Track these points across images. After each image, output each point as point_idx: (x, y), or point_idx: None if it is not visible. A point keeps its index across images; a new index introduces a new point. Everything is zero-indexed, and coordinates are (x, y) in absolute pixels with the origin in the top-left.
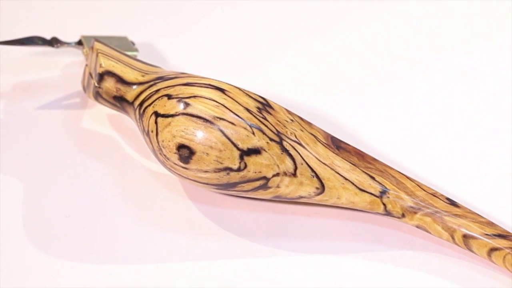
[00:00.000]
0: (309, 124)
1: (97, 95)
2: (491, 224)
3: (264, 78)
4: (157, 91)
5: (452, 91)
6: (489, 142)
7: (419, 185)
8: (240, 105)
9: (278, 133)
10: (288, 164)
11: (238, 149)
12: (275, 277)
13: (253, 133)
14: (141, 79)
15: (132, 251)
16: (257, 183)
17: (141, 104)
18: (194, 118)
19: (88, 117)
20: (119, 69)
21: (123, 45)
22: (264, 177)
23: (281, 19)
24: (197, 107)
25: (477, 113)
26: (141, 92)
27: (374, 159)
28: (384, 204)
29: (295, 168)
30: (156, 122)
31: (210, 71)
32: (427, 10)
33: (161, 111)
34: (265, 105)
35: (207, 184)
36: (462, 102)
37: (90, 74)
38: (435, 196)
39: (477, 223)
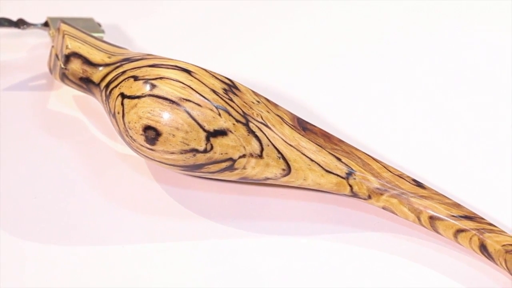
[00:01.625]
0: (276, 105)
1: (64, 77)
2: (457, 205)
3: (231, 59)
4: (123, 72)
5: (419, 72)
6: (455, 123)
7: (385, 167)
8: (207, 86)
9: (244, 115)
10: (255, 146)
11: (204, 130)
12: (241, 258)
13: (220, 115)
14: (107, 60)
15: (98, 232)
16: (224, 165)
17: (107, 86)
18: (160, 100)
19: (54, 98)
20: (85, 51)
21: (89, 27)
22: (231, 159)
23: (247, 1)
24: (163, 88)
25: (444, 94)
26: (107, 74)
27: (341, 141)
28: (350, 186)
29: (261, 150)
30: (122, 104)
31: (177, 52)
32: None
33: (128, 93)
34: (231, 87)
35: (173, 165)
36: (428, 82)
37: (57, 55)
38: (401, 177)
39: (443, 205)
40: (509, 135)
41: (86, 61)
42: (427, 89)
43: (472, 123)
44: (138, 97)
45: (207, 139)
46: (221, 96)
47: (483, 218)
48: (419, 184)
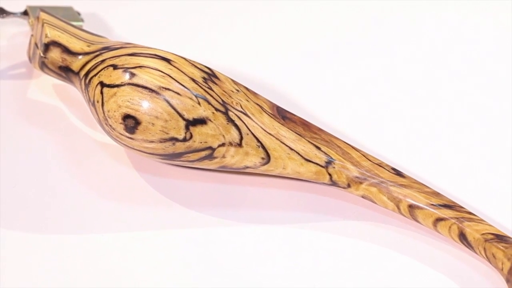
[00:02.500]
0: (255, 94)
1: (43, 65)
2: (436, 194)
3: (210, 48)
4: (102, 61)
5: (398, 60)
6: (434, 112)
7: (364, 155)
8: (186, 75)
9: (223, 103)
10: (234, 134)
11: (183, 119)
12: (220, 246)
13: (199, 103)
14: (86, 49)
15: (78, 221)
16: (203, 153)
17: (86, 74)
18: (139, 88)
19: (34, 87)
20: (64, 39)
21: (68, 15)
22: (210, 147)
23: None
24: (142, 77)
25: (423, 83)
26: (87, 62)
27: (320, 129)
28: (329, 174)
29: (241, 138)
30: (101, 92)
31: (156, 41)
32: None
33: (107, 81)
34: (210, 75)
35: (152, 154)
36: (407, 71)
37: (36, 44)
38: (380, 166)
39: (423, 193)
40: (489, 124)
41: (66, 50)
42: (407, 78)
43: (451, 111)
44: (118, 85)
45: (187, 127)
46: (200, 84)
47: (462, 207)
48: (398, 173)
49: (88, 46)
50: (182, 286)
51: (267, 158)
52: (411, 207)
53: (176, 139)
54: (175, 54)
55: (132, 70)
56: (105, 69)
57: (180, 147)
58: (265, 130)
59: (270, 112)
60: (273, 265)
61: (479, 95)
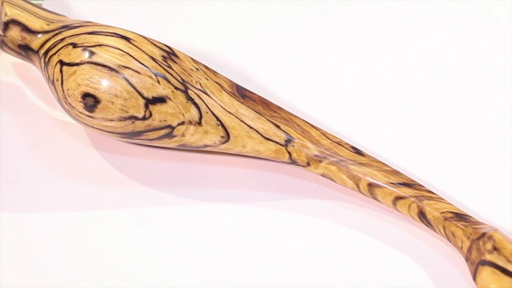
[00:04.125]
0: (214, 72)
1: (2, 44)
2: (396, 172)
3: (170, 26)
4: (62, 39)
5: (357, 39)
6: (393, 90)
7: (324, 134)
8: (145, 53)
9: (183, 82)
10: (193, 113)
11: (143, 97)
12: (180, 225)
13: (158, 82)
14: (46, 27)
15: (37, 199)
16: (162, 132)
17: (46, 53)
18: (99, 67)
19: None
20: (24, 18)
21: None
22: (169, 126)
23: None
24: (102, 55)
25: (382, 61)
26: (46, 41)
27: (279, 108)
28: (289, 153)
29: (200, 117)
30: (61, 71)
31: (116, 20)
32: None
33: (66, 60)
34: (170, 54)
35: (112, 132)
36: (366, 49)
37: None
38: (340, 144)
39: (382, 172)
40: (448, 102)
41: (25, 28)
42: (367, 56)
43: (412, 90)
44: (77, 64)
45: (146, 106)
46: (160, 63)
47: (422, 186)
48: (358, 151)
49: (48, 24)
50: (140, 264)
51: (227, 136)
52: (370, 185)
53: (136, 118)
54: (134, 33)
55: (92, 49)
56: (65, 47)
57: (139, 125)
58: (224, 109)
59: (230, 90)
60: (232, 244)
61: (439, 72)
